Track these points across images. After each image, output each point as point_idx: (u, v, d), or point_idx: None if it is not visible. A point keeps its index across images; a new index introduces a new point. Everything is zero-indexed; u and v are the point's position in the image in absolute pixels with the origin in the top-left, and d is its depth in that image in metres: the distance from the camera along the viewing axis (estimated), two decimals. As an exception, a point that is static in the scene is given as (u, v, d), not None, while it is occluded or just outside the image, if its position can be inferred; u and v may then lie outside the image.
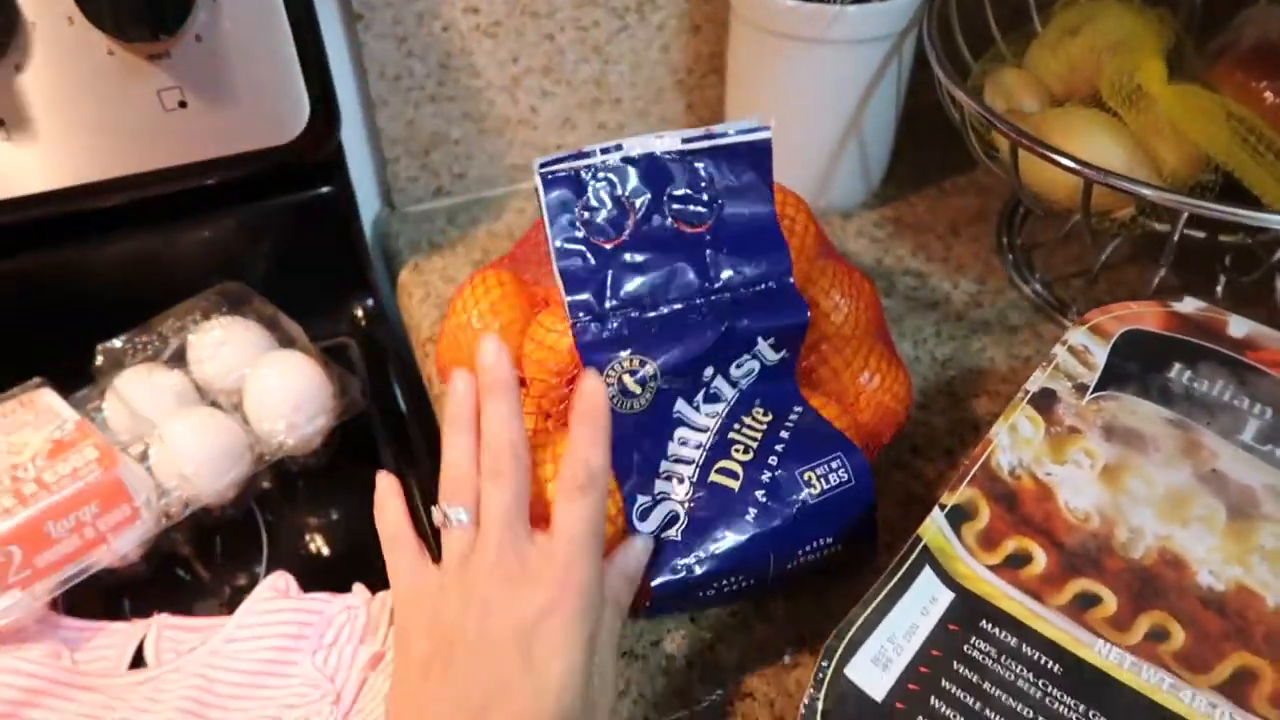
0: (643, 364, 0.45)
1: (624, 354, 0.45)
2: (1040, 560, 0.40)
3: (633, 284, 0.46)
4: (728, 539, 0.44)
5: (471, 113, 0.73)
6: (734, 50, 0.72)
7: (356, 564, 0.55)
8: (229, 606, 0.53)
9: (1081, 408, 0.46)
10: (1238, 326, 0.50)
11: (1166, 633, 0.38)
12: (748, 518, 0.45)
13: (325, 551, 0.58)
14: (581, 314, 0.45)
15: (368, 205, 0.77)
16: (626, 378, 0.45)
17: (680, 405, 0.46)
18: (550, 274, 0.46)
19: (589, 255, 0.45)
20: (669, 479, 0.45)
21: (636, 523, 0.45)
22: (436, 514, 0.42)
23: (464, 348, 0.50)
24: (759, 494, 0.45)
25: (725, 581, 0.45)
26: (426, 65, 0.70)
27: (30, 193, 0.56)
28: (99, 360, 0.58)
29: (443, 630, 0.39)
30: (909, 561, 0.40)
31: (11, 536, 0.48)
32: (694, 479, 0.45)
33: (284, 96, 0.58)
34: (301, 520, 0.60)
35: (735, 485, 0.45)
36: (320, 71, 0.59)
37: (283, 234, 0.66)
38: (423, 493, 0.59)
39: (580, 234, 0.45)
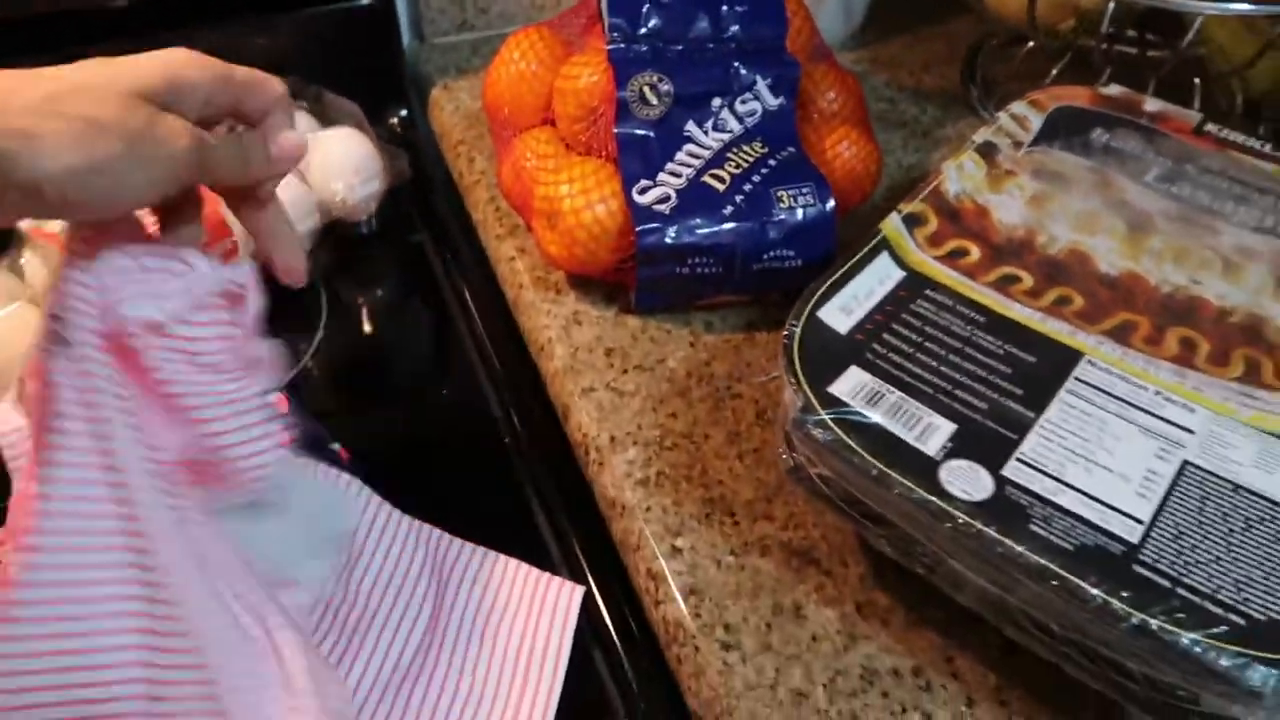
0: (660, 80, 0.55)
1: (647, 71, 0.55)
2: (975, 254, 0.50)
3: (660, 20, 0.56)
4: (704, 224, 0.54)
5: (496, -51, 0.81)
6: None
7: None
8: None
9: (1017, 157, 0.56)
10: (1152, 104, 0.60)
11: (1070, 300, 0.48)
12: (724, 212, 0.55)
13: (376, 314, 0.68)
14: (616, 34, 0.56)
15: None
16: (646, 89, 0.55)
17: (691, 127, 0.56)
18: (580, 34, 0.55)
19: None
20: (670, 174, 0.55)
21: (635, 196, 0.55)
22: None
23: (507, 82, 0.60)
24: (738, 198, 0.55)
25: (698, 260, 0.55)
26: (457, -99, 0.78)
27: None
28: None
29: None
30: (869, 246, 0.50)
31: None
32: (690, 178, 0.55)
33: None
34: (354, 290, 0.69)
35: (721, 188, 0.55)
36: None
37: (327, 41, 0.74)
38: (456, 260, 0.69)
39: None
